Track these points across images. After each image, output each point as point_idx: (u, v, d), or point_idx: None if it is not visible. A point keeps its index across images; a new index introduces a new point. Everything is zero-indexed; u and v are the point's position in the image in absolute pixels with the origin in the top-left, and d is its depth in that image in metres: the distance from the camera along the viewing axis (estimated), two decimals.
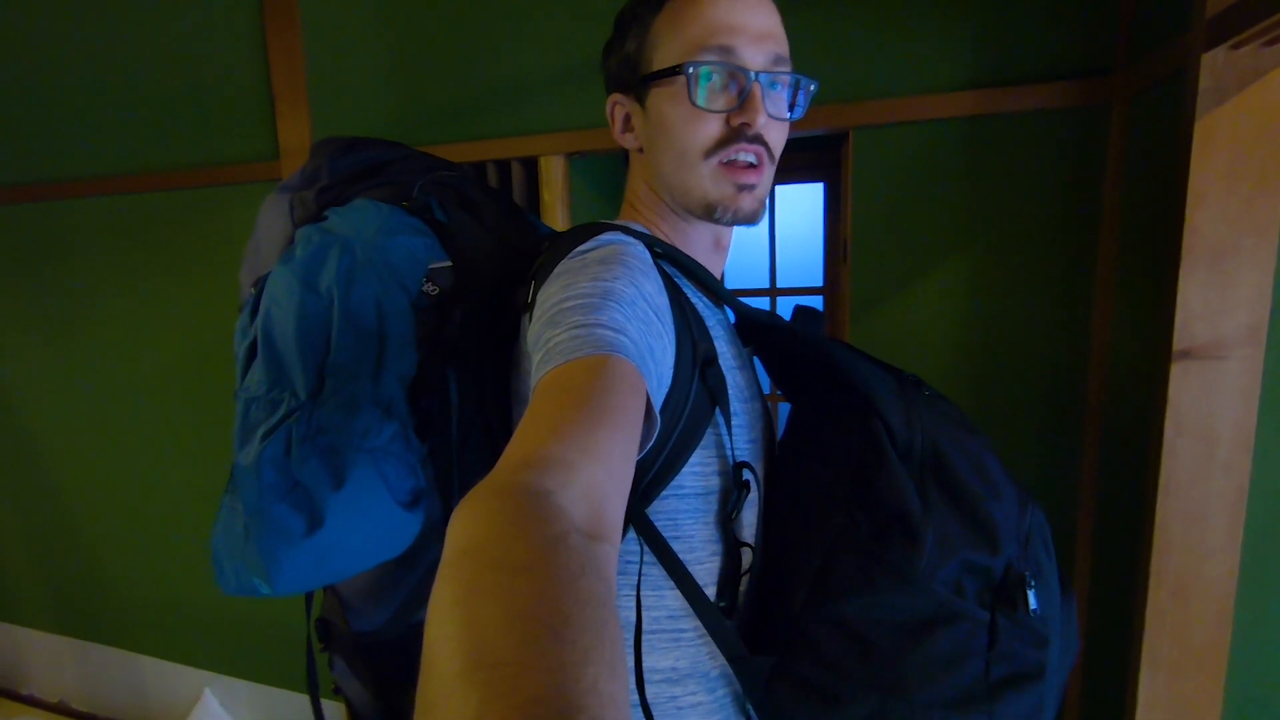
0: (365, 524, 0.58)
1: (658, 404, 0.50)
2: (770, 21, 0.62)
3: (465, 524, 0.32)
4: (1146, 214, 1.05)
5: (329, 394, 0.60)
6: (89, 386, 1.97)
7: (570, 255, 0.57)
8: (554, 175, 1.43)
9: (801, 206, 2.29)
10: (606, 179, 1.68)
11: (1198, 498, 0.93)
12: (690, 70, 0.60)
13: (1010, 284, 1.22)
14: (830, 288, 1.92)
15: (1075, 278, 1.19)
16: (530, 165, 1.48)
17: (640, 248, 0.59)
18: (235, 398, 0.65)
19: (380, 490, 0.58)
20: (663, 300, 0.56)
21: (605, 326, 0.47)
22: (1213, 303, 0.90)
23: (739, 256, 2.05)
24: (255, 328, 0.65)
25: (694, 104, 0.61)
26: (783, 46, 0.63)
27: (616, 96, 0.69)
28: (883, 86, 1.24)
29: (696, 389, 0.58)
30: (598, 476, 0.37)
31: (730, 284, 2.09)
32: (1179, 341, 0.92)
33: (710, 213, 0.65)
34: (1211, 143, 0.88)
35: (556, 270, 0.56)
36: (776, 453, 0.72)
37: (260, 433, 0.59)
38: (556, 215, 1.44)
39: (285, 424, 0.59)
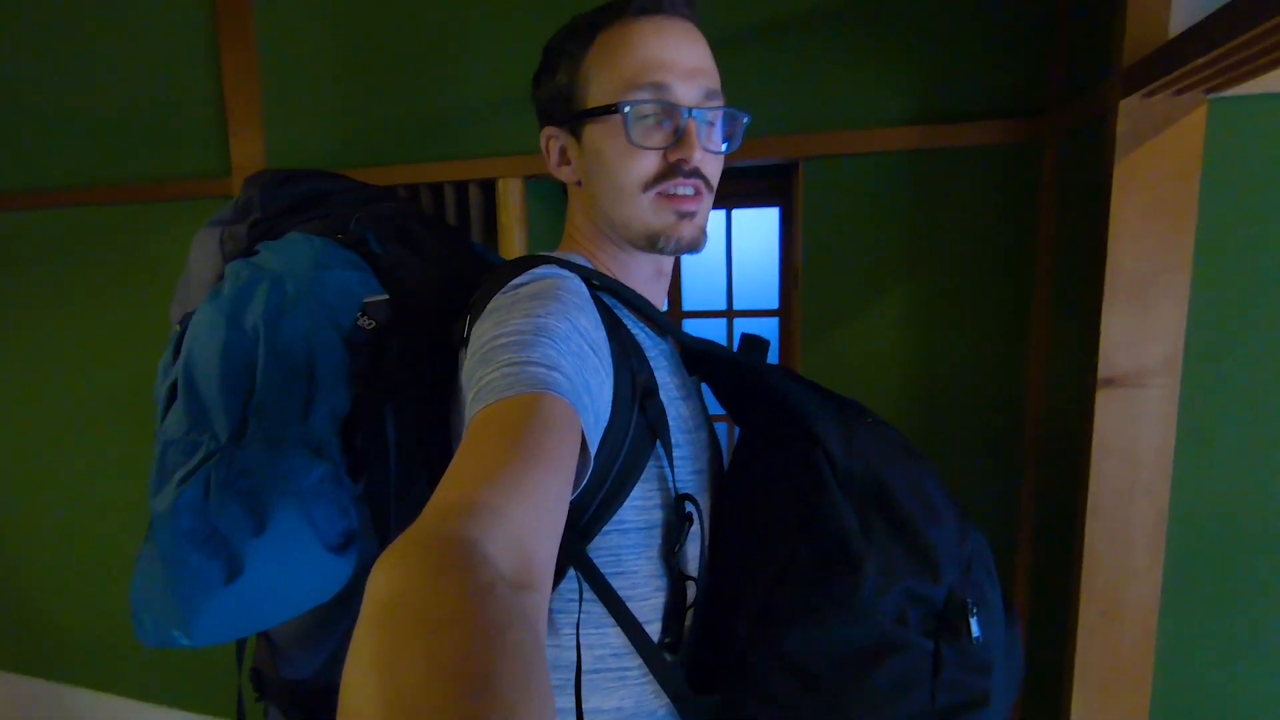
0: (290, 569, 0.57)
1: (595, 439, 0.50)
2: (700, 56, 0.63)
3: (386, 577, 0.31)
4: (1077, 248, 1.10)
5: (252, 435, 0.58)
6: (25, 407, 1.89)
7: (504, 290, 0.57)
8: (511, 198, 1.43)
9: (759, 229, 2.34)
10: (564, 203, 1.69)
11: (1122, 520, 0.98)
12: (626, 109, 0.60)
13: (952, 312, 1.26)
14: (785, 310, 1.95)
15: (1013, 306, 1.23)
16: (488, 187, 1.49)
17: (575, 281, 0.59)
18: (154, 441, 0.63)
19: (306, 534, 0.57)
20: (599, 334, 0.56)
21: (538, 364, 0.47)
22: (1133, 334, 0.95)
23: (698, 277, 2.08)
24: (176, 368, 0.63)
25: (631, 142, 0.61)
26: (714, 81, 0.64)
27: (550, 130, 0.69)
28: (832, 119, 1.29)
29: (636, 422, 0.58)
30: (528, 521, 0.37)
31: (688, 305, 2.12)
32: (1103, 370, 0.96)
33: (653, 243, 0.65)
34: (1130, 183, 0.94)
35: (490, 306, 0.56)
36: (724, 482, 0.72)
37: (177, 477, 0.58)
38: (514, 238, 1.45)
39: (204, 468, 0.57)
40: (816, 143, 1.29)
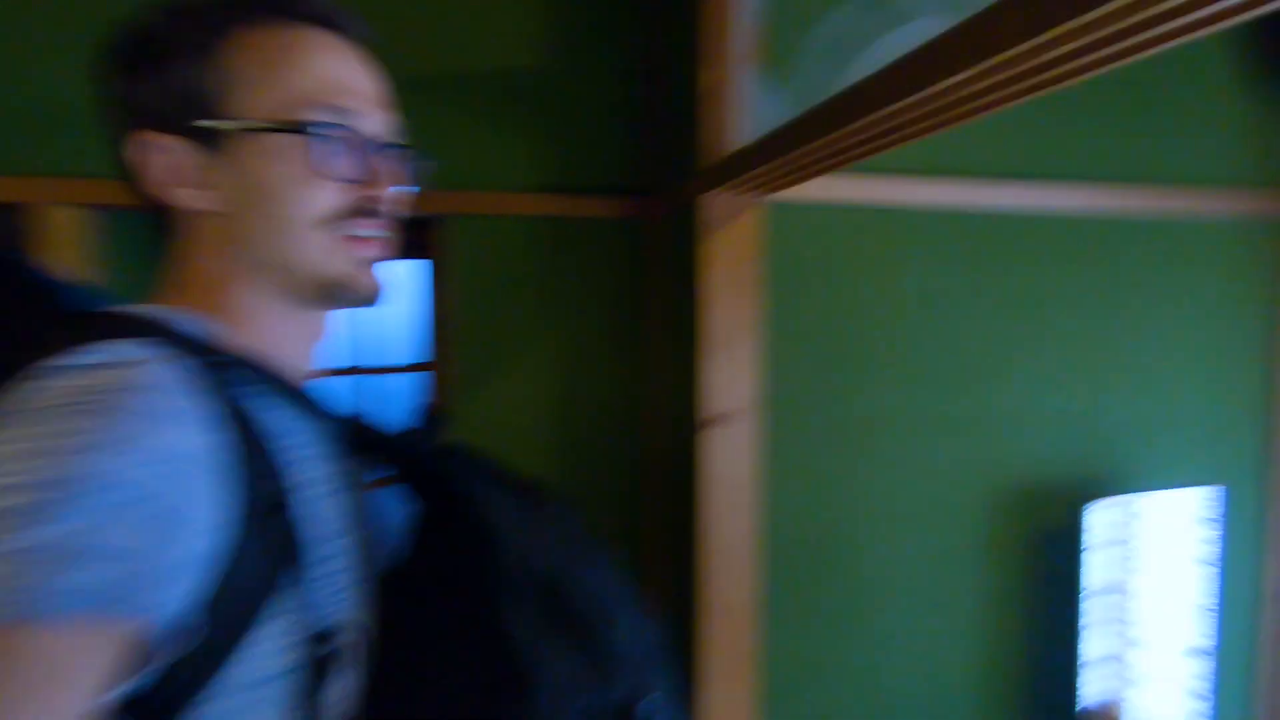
0: None
1: (177, 612, 0.41)
2: (384, 88, 0.57)
3: None
4: (680, 309, 1.33)
5: None
6: None
7: (33, 377, 0.40)
8: (67, 233, 1.11)
9: (409, 283, 2.27)
10: (160, 241, 1.38)
11: (726, 535, 1.19)
12: (320, 131, 0.50)
13: (583, 362, 1.42)
14: (435, 363, 1.92)
15: (633, 357, 1.43)
16: (25, 217, 1.13)
17: (160, 367, 0.44)
18: None
19: None
20: (193, 446, 0.43)
21: (52, 551, 0.36)
22: (724, 382, 1.18)
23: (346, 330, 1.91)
24: None
25: (316, 170, 0.51)
26: (396, 118, 0.58)
27: (162, 139, 0.51)
28: (480, 180, 1.35)
29: (257, 548, 0.46)
30: None
31: (332, 360, 1.93)
32: (705, 411, 1.17)
33: (328, 294, 0.54)
34: (711, 260, 1.17)
35: (3, 406, 0.40)
36: (391, 584, 0.62)
37: None
38: None
39: None
40: (465, 201, 1.33)
